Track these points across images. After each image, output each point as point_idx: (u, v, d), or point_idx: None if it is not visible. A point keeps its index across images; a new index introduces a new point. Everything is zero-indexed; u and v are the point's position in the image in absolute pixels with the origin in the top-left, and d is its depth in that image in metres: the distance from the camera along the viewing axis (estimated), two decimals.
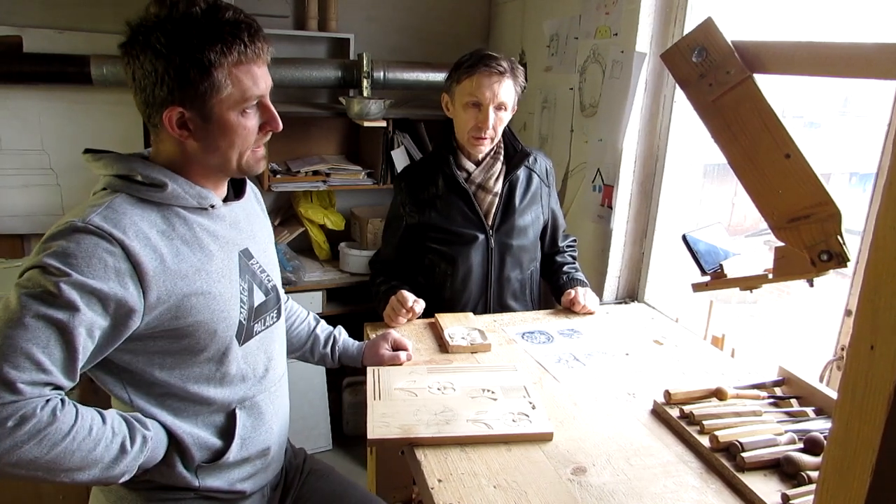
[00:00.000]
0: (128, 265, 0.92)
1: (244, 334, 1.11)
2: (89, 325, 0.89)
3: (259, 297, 1.14)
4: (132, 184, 0.99)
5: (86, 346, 0.90)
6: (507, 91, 1.67)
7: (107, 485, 1.06)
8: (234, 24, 0.95)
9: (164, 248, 0.97)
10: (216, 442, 1.10)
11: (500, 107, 1.69)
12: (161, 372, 1.04)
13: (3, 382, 0.83)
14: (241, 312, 1.09)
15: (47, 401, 0.88)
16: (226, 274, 1.06)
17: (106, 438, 0.94)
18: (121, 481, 0.97)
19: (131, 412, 1.02)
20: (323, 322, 1.52)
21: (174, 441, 1.06)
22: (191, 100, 0.96)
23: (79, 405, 0.93)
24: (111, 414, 0.97)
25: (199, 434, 1.08)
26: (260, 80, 1.00)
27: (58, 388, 0.90)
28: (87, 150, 1.04)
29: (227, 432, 1.12)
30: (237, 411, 1.12)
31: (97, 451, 0.92)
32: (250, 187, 1.22)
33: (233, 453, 1.11)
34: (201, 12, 0.94)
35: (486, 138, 1.72)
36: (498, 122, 1.71)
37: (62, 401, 0.90)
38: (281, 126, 1.05)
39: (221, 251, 1.06)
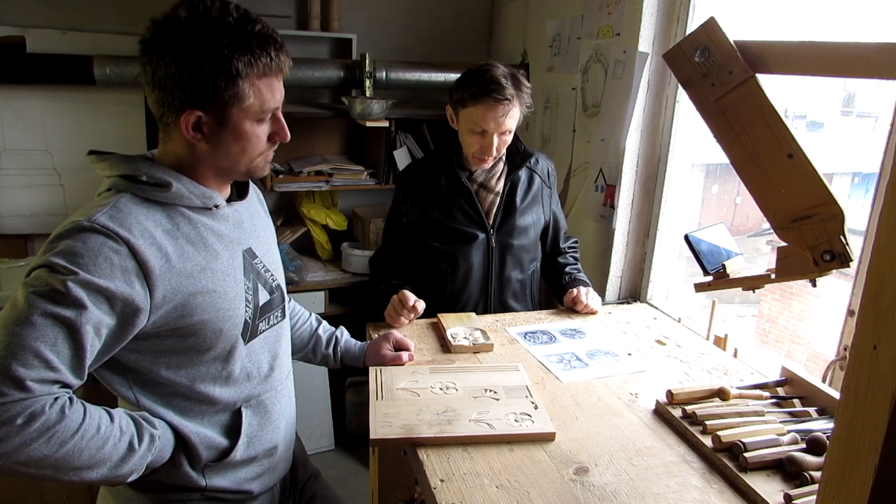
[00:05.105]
0: (134, 264, 0.92)
1: (249, 333, 1.11)
2: (96, 324, 0.90)
3: (264, 296, 1.14)
4: (137, 184, 0.99)
5: (93, 345, 0.90)
6: (512, 118, 1.67)
7: (115, 484, 1.06)
8: (264, 38, 0.97)
9: (169, 247, 0.97)
10: (222, 441, 1.11)
11: (504, 133, 1.69)
12: (167, 371, 1.04)
13: (11, 380, 0.83)
14: (246, 311, 1.09)
15: (56, 399, 0.88)
16: (230, 273, 1.07)
17: (114, 437, 0.94)
18: (129, 480, 0.98)
19: (138, 412, 1.03)
20: (325, 323, 1.52)
21: (181, 441, 1.06)
22: (212, 105, 0.96)
23: (87, 403, 0.93)
24: (119, 413, 0.98)
25: (205, 433, 1.08)
26: (277, 92, 1.03)
27: (66, 386, 0.90)
28: (91, 152, 1.05)
29: (233, 431, 1.12)
30: (243, 410, 1.13)
31: (105, 450, 0.92)
32: (252, 188, 1.23)
33: (239, 452, 1.11)
34: (234, 21, 0.94)
35: (488, 159, 1.73)
36: (502, 144, 1.72)
37: (70, 399, 0.91)
38: (289, 137, 1.07)
39: (226, 250, 1.07)
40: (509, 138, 1.73)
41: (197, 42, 0.93)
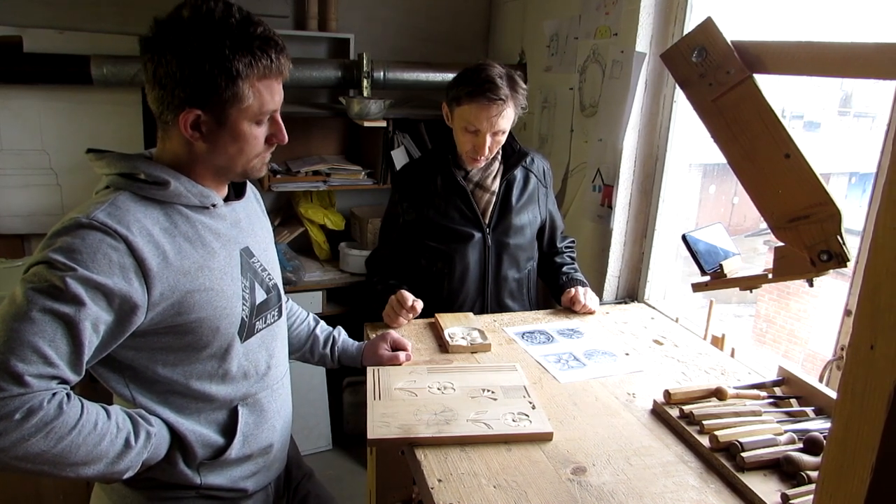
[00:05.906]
0: (132, 261, 0.93)
1: (246, 331, 1.11)
2: (94, 320, 0.90)
3: (260, 295, 1.15)
4: (135, 182, 1.00)
5: (91, 341, 0.91)
6: (506, 118, 1.67)
7: (111, 481, 1.07)
8: (265, 40, 0.97)
9: (166, 244, 0.98)
10: (218, 439, 1.11)
11: (497, 133, 1.69)
12: (164, 369, 1.04)
13: (10, 375, 0.84)
14: (243, 309, 1.09)
15: (54, 394, 0.88)
16: (228, 271, 1.07)
17: (111, 433, 0.94)
18: (125, 477, 0.98)
19: (134, 409, 1.03)
20: (322, 322, 1.52)
21: (176, 438, 1.06)
22: (212, 105, 0.97)
23: (84, 400, 0.94)
24: (115, 409, 0.98)
25: (201, 431, 1.08)
26: (276, 94, 1.03)
27: (64, 381, 0.90)
28: (89, 150, 1.05)
29: (229, 429, 1.12)
30: (239, 408, 1.13)
31: (102, 446, 0.93)
32: (250, 188, 1.23)
33: (234, 450, 1.12)
34: (236, 23, 0.95)
35: (480, 159, 1.73)
36: (495, 144, 1.72)
37: (68, 395, 0.91)
38: (286, 139, 1.07)
39: (223, 249, 1.07)
40: (503, 138, 1.73)
41: (199, 42, 0.93)
